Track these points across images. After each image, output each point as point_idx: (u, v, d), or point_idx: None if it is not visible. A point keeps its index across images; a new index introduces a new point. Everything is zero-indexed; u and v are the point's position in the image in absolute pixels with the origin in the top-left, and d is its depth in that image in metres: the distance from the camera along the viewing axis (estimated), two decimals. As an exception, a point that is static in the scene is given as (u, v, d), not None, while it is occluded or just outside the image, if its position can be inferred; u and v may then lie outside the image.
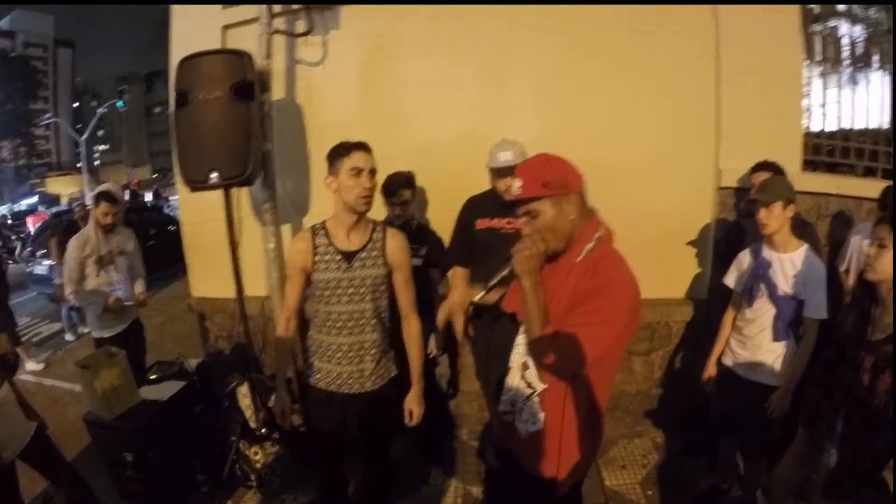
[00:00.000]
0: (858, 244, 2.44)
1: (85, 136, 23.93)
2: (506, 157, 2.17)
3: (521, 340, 1.37)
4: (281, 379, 1.96)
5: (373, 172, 1.68)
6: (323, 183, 1.72)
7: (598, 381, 1.29)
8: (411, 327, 1.91)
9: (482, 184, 2.37)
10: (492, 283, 1.26)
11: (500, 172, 2.20)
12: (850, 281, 2.52)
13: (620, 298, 1.19)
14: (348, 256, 1.72)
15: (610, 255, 1.27)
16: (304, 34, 2.74)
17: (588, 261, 1.25)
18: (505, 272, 1.25)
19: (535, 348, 1.22)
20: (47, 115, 39.08)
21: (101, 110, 29.07)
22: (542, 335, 1.20)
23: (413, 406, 1.90)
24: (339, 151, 1.68)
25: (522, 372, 1.36)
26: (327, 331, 1.77)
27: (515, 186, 1.25)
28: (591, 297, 1.19)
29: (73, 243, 2.94)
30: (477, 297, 1.28)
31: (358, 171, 1.64)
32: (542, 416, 1.32)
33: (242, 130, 2.24)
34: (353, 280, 1.72)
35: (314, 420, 1.90)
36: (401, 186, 2.39)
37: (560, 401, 1.29)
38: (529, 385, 1.34)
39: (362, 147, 1.68)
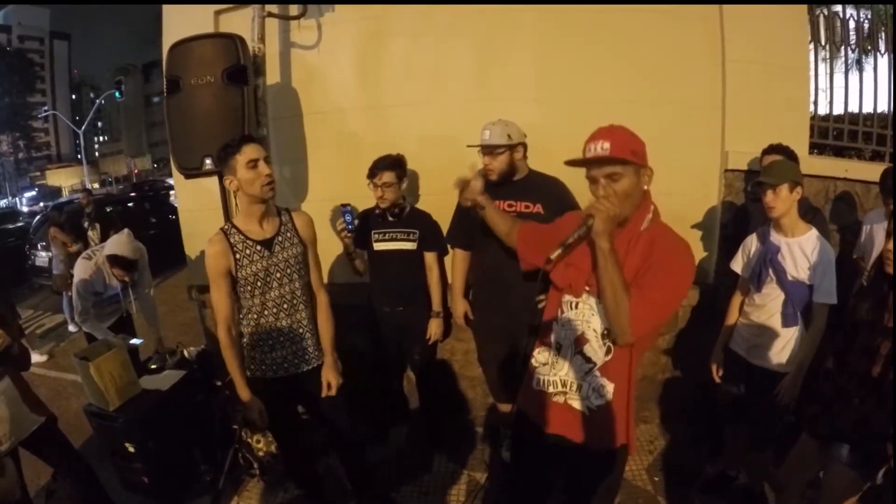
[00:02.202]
0: (871, 230, 2.39)
1: (84, 128, 23.89)
2: (483, 136, 2.16)
3: (572, 315, 1.38)
4: (242, 383, 1.84)
5: (267, 160, 1.73)
6: (227, 185, 1.74)
7: (652, 339, 1.39)
8: (322, 301, 1.98)
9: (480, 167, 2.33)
10: (569, 240, 1.25)
11: (482, 150, 2.18)
12: (867, 266, 2.47)
13: (689, 261, 1.32)
14: (267, 244, 1.79)
15: (666, 226, 1.37)
16: (298, 17, 2.68)
17: (650, 230, 1.32)
18: (582, 231, 1.24)
19: (620, 308, 1.23)
20: (45, 108, 39.06)
21: (99, 101, 29.01)
22: (630, 295, 1.22)
23: (329, 377, 1.92)
24: (228, 151, 1.71)
25: (578, 348, 1.37)
26: (264, 319, 1.82)
27: (600, 147, 1.25)
28: (663, 261, 1.27)
29: (81, 278, 2.75)
30: (553, 255, 1.26)
31: (254, 163, 1.69)
32: (610, 387, 1.35)
33: (236, 115, 2.21)
34: (278, 264, 1.80)
35: (274, 414, 1.91)
36: (385, 168, 2.33)
37: (626, 367, 1.34)
38: (589, 360, 1.36)
39: (250, 139, 1.76)
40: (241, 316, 1.85)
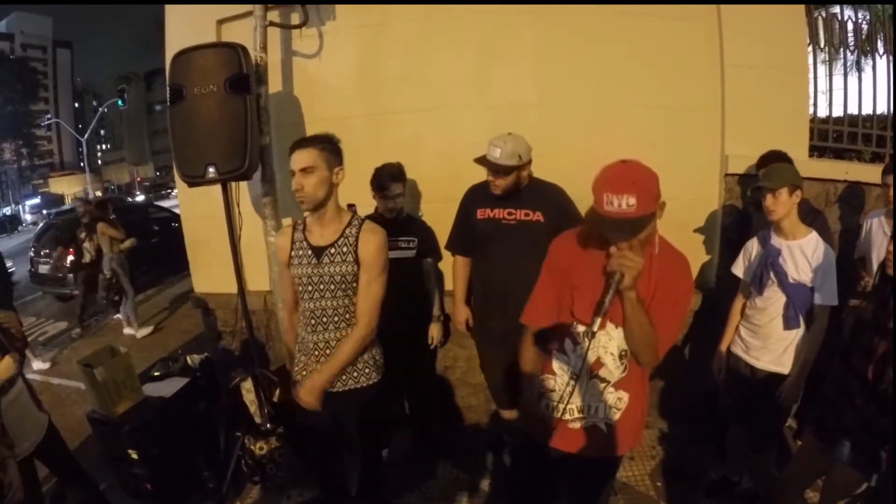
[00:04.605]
0: (870, 229, 2.39)
1: (86, 136, 24.04)
2: (493, 155, 2.10)
3: (585, 343, 1.34)
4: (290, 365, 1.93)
5: (306, 171, 1.60)
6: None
7: None
8: (354, 328, 1.72)
9: (482, 174, 2.34)
10: (606, 303, 1.22)
11: (488, 167, 2.13)
12: (870, 269, 2.46)
13: (689, 277, 1.36)
14: (318, 252, 1.69)
15: (667, 242, 1.36)
16: (299, 26, 2.70)
17: (661, 251, 1.33)
18: (613, 290, 1.21)
19: (648, 346, 1.27)
20: (48, 116, 39.26)
21: (101, 110, 29.22)
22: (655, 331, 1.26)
23: (310, 380, 1.73)
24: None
25: (594, 372, 1.38)
26: (303, 327, 1.77)
27: (625, 204, 1.15)
28: (667, 282, 1.29)
29: None
30: (596, 326, 1.24)
31: (293, 173, 1.62)
32: (626, 397, 1.38)
33: (239, 124, 2.21)
34: (322, 276, 1.68)
35: (305, 415, 1.85)
36: (393, 180, 2.33)
37: (641, 377, 1.38)
38: (604, 380, 1.38)
39: (299, 144, 1.64)
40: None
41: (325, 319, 1.71)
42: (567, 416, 1.42)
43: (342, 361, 1.71)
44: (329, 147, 1.65)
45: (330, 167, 1.64)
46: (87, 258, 5.46)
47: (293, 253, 1.71)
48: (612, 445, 1.40)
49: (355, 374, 1.77)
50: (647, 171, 1.23)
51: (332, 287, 1.68)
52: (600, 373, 1.37)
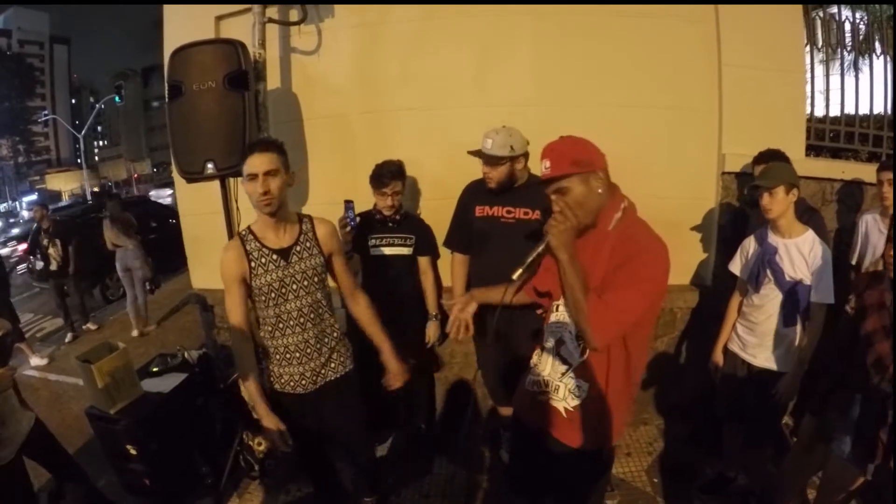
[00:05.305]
0: (866, 229, 2.41)
1: (83, 132, 23.94)
2: (485, 145, 2.11)
3: (554, 318, 1.42)
4: (259, 400, 1.68)
5: (270, 174, 1.60)
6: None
7: (635, 344, 1.35)
8: (360, 302, 1.91)
9: (480, 172, 2.34)
10: (529, 259, 1.30)
11: (481, 158, 2.15)
12: (863, 268, 2.48)
13: (657, 261, 1.27)
14: (284, 253, 1.70)
15: (639, 223, 1.35)
16: (298, 23, 2.70)
17: (619, 229, 1.32)
18: (540, 248, 1.29)
19: (581, 315, 1.25)
20: (45, 112, 39.08)
21: (99, 106, 29.11)
22: (589, 301, 1.23)
23: (391, 364, 1.88)
24: (243, 154, 1.65)
25: (557, 349, 1.41)
26: (281, 332, 1.74)
27: (544, 167, 1.31)
28: (629, 261, 1.25)
29: None
30: (515, 275, 1.31)
31: (251, 177, 1.60)
32: (585, 387, 1.37)
33: (237, 120, 2.22)
34: (295, 275, 1.71)
35: (290, 428, 1.81)
36: (392, 177, 2.33)
37: (604, 369, 1.35)
38: (566, 361, 1.39)
39: (257, 148, 1.64)
40: (260, 327, 1.78)
41: (301, 319, 1.74)
42: (536, 389, 1.48)
43: (379, 325, 1.91)
44: (282, 151, 1.69)
45: (286, 170, 1.68)
46: (53, 265, 5.28)
47: (253, 263, 1.67)
48: (570, 433, 1.40)
49: (333, 364, 1.83)
50: (568, 141, 1.34)
51: (306, 283, 1.72)
52: (562, 351, 1.40)
